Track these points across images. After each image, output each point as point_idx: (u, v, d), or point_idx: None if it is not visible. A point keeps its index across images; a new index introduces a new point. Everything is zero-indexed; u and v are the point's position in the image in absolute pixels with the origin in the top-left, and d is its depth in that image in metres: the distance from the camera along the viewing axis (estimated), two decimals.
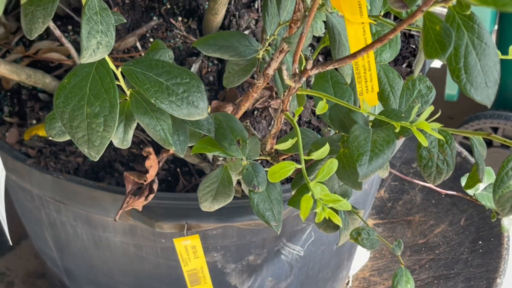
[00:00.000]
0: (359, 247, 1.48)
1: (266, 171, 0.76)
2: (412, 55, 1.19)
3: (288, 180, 1.03)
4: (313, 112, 1.09)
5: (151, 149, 0.96)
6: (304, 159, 0.67)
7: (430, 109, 0.62)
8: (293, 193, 0.78)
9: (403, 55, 1.18)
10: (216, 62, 1.10)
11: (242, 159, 0.75)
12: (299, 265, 1.22)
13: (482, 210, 1.51)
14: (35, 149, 1.04)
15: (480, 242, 1.46)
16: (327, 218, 0.62)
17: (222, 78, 1.04)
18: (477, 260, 1.42)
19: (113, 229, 1.07)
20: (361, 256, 1.61)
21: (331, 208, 0.63)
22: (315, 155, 0.66)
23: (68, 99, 0.66)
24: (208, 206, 0.80)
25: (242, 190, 0.99)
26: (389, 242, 1.64)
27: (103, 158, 1.05)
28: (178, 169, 1.04)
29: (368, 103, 0.73)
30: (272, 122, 1.06)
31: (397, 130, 0.63)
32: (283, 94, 0.72)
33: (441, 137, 0.65)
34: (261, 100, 1.04)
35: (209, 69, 1.08)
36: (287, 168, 0.65)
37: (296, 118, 0.72)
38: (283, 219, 1.00)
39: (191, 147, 1.04)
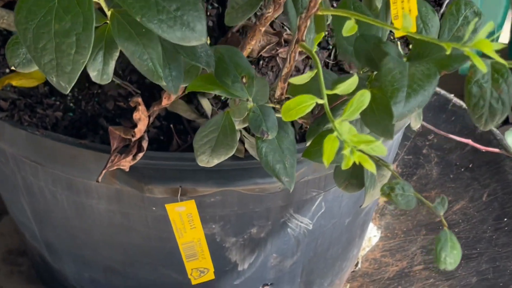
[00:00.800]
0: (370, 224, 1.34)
1: (277, 117, 0.62)
2: None
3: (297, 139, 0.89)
4: (328, 62, 0.96)
5: (139, 99, 0.83)
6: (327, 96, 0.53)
7: (489, 25, 0.49)
8: (308, 144, 0.65)
9: None
10: (216, 5, 0.96)
11: (247, 100, 0.62)
12: (307, 241, 1.08)
13: (507, 184, 1.37)
14: (7, 101, 0.91)
15: (505, 219, 1.33)
16: (357, 163, 0.49)
17: (222, 22, 0.90)
18: (502, 239, 1.28)
19: (97, 194, 0.93)
20: (371, 235, 1.48)
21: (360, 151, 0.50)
22: (340, 89, 0.53)
23: (31, 13, 0.52)
24: (206, 160, 0.67)
25: (246, 150, 0.86)
26: (401, 220, 1.51)
27: (86, 112, 0.92)
28: (171, 126, 0.90)
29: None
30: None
31: (448, 52, 0.49)
32: (300, 18, 0.58)
33: (503, 61, 0.51)
34: (267, 47, 0.90)
35: (208, 13, 0.94)
36: (306, 103, 0.52)
37: (315, 48, 0.59)
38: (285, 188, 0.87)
39: (186, 96, 0.91)
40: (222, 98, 0.94)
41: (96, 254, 1.08)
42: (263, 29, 0.70)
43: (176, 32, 0.55)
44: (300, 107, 0.52)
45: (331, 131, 0.56)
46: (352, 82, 0.53)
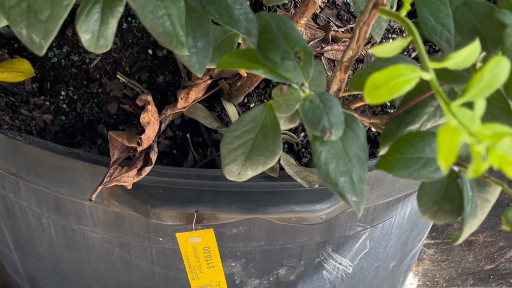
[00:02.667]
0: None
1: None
2: None
3: None
4: None
5: (149, 97, 0.64)
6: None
7: None
8: (382, 152, 0.46)
9: None
10: None
11: (302, 86, 0.43)
12: (345, 287, 0.89)
13: None
14: None
15: None
16: (495, 166, 0.30)
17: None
18: None
19: (91, 219, 0.75)
20: (407, 283, 1.28)
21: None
22: (455, 60, 0.34)
23: None
24: (237, 170, 0.48)
25: (281, 167, 0.67)
26: (443, 267, 1.31)
27: (82, 116, 0.74)
28: (187, 136, 0.72)
29: None
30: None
31: None
32: None
33: None
34: (312, 42, 0.72)
35: None
36: (404, 77, 0.33)
37: (404, 11, 0.40)
38: (329, 218, 0.68)
39: (207, 101, 0.73)
40: (252, 104, 0.75)
41: None
42: (318, 1, 0.51)
43: None
44: (396, 82, 0.33)
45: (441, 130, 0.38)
46: (472, 51, 0.34)
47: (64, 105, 0.73)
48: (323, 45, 0.73)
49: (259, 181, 0.68)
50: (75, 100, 0.74)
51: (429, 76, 0.34)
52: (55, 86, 0.75)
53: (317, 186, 0.67)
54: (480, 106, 0.31)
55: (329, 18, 0.79)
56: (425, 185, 0.46)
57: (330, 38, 0.74)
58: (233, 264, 0.79)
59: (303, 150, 0.75)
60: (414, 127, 0.46)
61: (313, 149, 0.43)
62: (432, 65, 0.35)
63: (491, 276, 1.23)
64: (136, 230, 0.75)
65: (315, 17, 0.79)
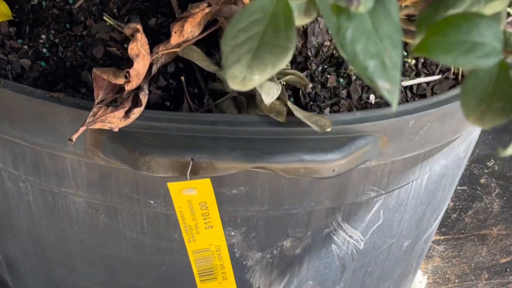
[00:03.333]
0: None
1: None
2: None
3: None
4: None
5: (138, 26, 0.57)
6: None
7: None
8: (417, 40, 0.38)
9: None
10: None
11: None
12: (355, 266, 0.80)
13: None
14: None
15: None
16: None
17: None
18: None
19: (74, 178, 0.66)
20: (415, 282, 1.20)
21: None
22: None
23: None
24: (241, 74, 0.40)
25: (288, 110, 0.59)
26: (454, 263, 1.22)
27: (64, 61, 0.66)
28: (182, 79, 0.64)
29: None
30: None
31: None
32: None
33: None
34: None
35: None
36: None
37: None
38: (342, 172, 0.60)
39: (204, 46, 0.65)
40: None
41: (71, 273, 0.80)
42: None
43: None
44: None
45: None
46: None
47: (44, 50, 0.66)
48: None
49: (263, 127, 0.60)
50: (56, 44, 0.66)
51: None
52: (35, 29, 0.67)
53: (329, 129, 0.59)
54: None
55: None
56: (470, 80, 0.38)
57: None
58: (233, 234, 0.70)
59: (311, 103, 0.67)
60: (455, 11, 0.38)
61: (336, 26, 0.35)
62: None
63: (508, 269, 1.14)
64: (124, 191, 0.66)
65: None
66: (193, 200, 0.59)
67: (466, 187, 1.27)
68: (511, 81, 0.37)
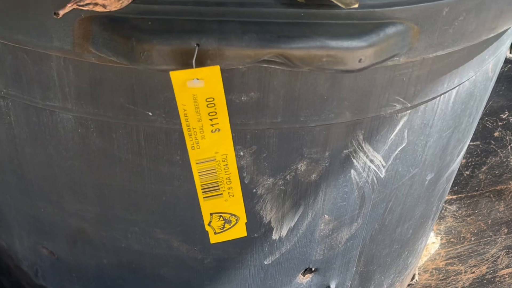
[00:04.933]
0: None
1: None
2: None
3: None
4: None
5: None
6: None
7: None
8: None
9: None
10: None
11: None
12: (375, 199, 0.73)
13: None
14: None
15: None
16: None
17: None
18: None
19: (60, 87, 0.58)
20: (428, 242, 1.12)
21: None
22: None
23: None
24: None
25: None
26: (469, 222, 1.14)
27: None
28: None
29: None
30: None
31: None
32: None
33: None
34: None
35: None
36: None
37: None
38: (369, 64, 0.53)
39: None
40: None
41: (59, 211, 0.71)
42: None
43: None
44: None
45: None
46: None
47: None
48: None
49: (279, 8, 0.52)
50: None
51: None
52: None
53: (356, 6, 0.51)
54: None
55: None
56: None
57: None
58: (241, 154, 0.62)
59: None
60: None
61: None
62: None
63: None
64: (118, 100, 0.58)
65: None
66: (199, 95, 0.51)
67: (479, 142, 1.19)
68: None
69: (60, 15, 0.47)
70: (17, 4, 0.53)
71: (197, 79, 0.50)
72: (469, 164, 1.19)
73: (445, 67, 0.63)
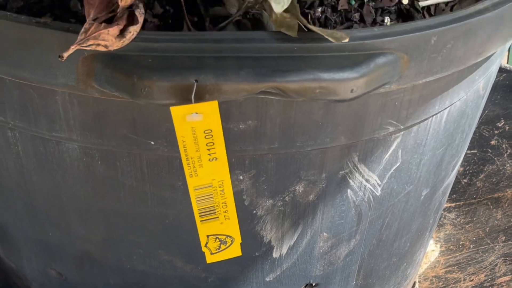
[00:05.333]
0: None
1: None
2: None
3: None
4: None
5: None
6: None
7: None
8: None
9: None
10: None
11: None
12: (372, 216, 0.75)
13: None
14: None
15: None
16: None
17: None
18: None
19: (66, 120, 0.61)
20: (428, 250, 1.14)
21: None
22: None
23: None
24: None
25: (301, 26, 0.54)
26: (467, 229, 1.16)
27: None
28: (181, 1, 0.58)
29: None
30: None
31: None
32: None
33: None
34: None
35: None
36: None
37: None
38: (361, 94, 0.55)
39: None
40: None
41: (67, 235, 0.74)
42: None
43: None
44: None
45: None
46: None
47: None
48: None
49: (273, 43, 0.54)
50: None
51: None
52: None
53: (346, 40, 0.53)
54: None
55: None
56: None
57: None
58: (241, 178, 0.65)
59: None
60: None
61: None
62: None
63: None
64: (121, 131, 0.61)
65: None
66: (197, 128, 0.54)
67: (476, 151, 1.22)
68: None
69: (65, 58, 0.49)
70: (22, 43, 0.55)
71: (196, 113, 0.53)
72: (467, 172, 1.21)
73: (435, 90, 0.65)
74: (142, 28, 0.53)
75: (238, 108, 0.59)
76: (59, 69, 0.55)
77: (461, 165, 1.22)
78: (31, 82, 0.58)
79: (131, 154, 0.63)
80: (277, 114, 0.60)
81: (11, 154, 0.67)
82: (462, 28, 0.59)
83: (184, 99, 0.53)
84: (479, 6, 0.61)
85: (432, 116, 0.69)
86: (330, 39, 0.53)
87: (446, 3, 0.64)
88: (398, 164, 0.71)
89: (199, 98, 0.53)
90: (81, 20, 0.58)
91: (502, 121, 1.20)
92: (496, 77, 1.24)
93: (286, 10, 0.54)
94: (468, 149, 1.23)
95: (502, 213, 1.14)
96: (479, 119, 1.23)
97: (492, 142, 1.20)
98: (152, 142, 0.61)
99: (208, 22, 0.59)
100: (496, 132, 1.21)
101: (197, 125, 0.54)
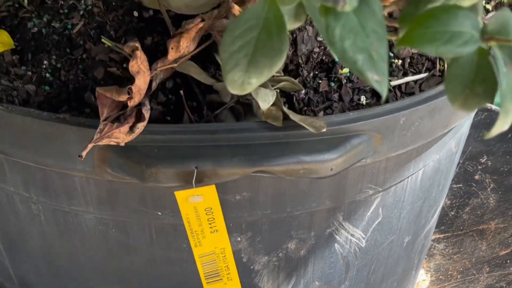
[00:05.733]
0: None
1: None
2: None
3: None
4: None
5: (137, 43, 0.60)
6: None
7: None
8: (401, 35, 0.41)
9: None
10: None
11: None
12: (359, 264, 0.83)
13: None
14: None
15: None
16: None
17: None
18: None
19: (83, 196, 0.69)
20: (419, 280, 1.22)
21: None
22: None
23: None
24: (239, 79, 0.43)
25: (285, 116, 0.62)
26: (455, 260, 1.25)
27: (67, 84, 0.69)
28: (181, 92, 0.67)
29: None
30: None
31: None
32: None
33: None
34: None
35: None
36: None
37: None
38: (340, 170, 0.63)
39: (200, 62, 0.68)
40: None
41: (85, 287, 0.82)
42: None
43: None
44: None
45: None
46: None
47: (47, 74, 0.69)
48: None
49: (261, 132, 0.63)
50: (58, 69, 0.69)
51: None
52: (37, 55, 0.70)
53: (324, 130, 0.62)
54: None
55: None
56: (453, 68, 0.41)
57: None
58: (239, 239, 0.73)
59: (305, 108, 0.70)
60: (435, 4, 0.41)
61: (325, 26, 0.38)
62: None
63: (508, 261, 1.17)
64: (132, 205, 0.69)
65: None
66: (199, 207, 0.62)
67: (461, 185, 1.30)
68: (491, 66, 0.40)
69: (84, 157, 0.58)
70: (45, 136, 0.64)
71: (197, 195, 0.61)
72: (454, 205, 1.29)
73: (409, 157, 0.74)
74: (149, 118, 0.62)
75: (234, 183, 0.67)
76: (77, 158, 0.64)
77: (448, 198, 1.30)
78: (53, 168, 0.66)
79: (140, 223, 0.71)
80: (268, 186, 0.68)
81: (34, 223, 0.76)
82: (428, 108, 0.68)
83: (186, 182, 0.62)
84: (443, 86, 0.70)
85: (408, 177, 0.77)
86: (310, 129, 0.61)
87: (415, 81, 0.72)
88: (379, 219, 0.80)
89: (199, 181, 0.62)
90: (94, 109, 0.67)
91: (485, 157, 1.28)
92: (478, 116, 1.32)
93: (272, 103, 0.62)
94: (454, 183, 1.32)
95: (486, 244, 1.22)
96: (463, 156, 1.32)
97: (476, 177, 1.29)
98: (159, 213, 0.70)
99: (205, 109, 0.68)
100: (479, 167, 1.29)
101: (198, 205, 0.62)
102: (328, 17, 0.38)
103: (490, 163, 1.29)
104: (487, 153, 1.29)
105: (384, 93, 0.38)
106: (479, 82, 0.40)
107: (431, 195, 0.85)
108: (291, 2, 0.41)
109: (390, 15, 0.52)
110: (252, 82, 0.44)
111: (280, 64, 0.43)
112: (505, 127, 0.41)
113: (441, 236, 1.29)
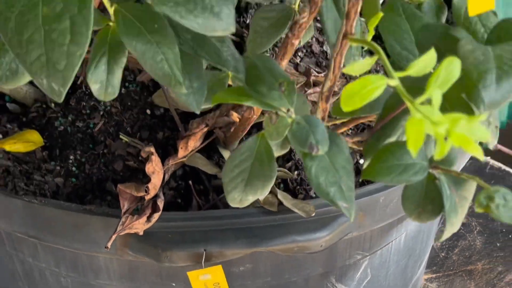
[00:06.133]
0: None
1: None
2: None
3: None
4: None
5: (152, 149, 0.70)
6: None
7: None
8: (365, 165, 0.52)
9: None
10: (234, 37, 0.86)
11: (288, 112, 0.49)
12: None
13: None
14: (0, 169, 0.78)
15: None
16: (456, 144, 0.36)
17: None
18: None
19: (107, 272, 0.80)
20: None
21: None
22: (415, 68, 0.41)
23: None
24: (238, 197, 0.54)
25: (280, 202, 0.73)
26: None
27: (91, 177, 0.79)
28: (190, 182, 0.77)
29: (478, 8, 0.48)
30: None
31: None
32: (348, 3, 0.47)
33: None
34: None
35: None
36: (373, 85, 0.40)
37: (371, 35, 0.47)
38: (331, 244, 0.73)
39: (205, 152, 0.79)
40: None
41: None
42: (296, 42, 0.58)
43: (197, 18, 0.43)
44: (367, 90, 0.40)
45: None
46: (430, 59, 0.40)
47: (74, 168, 0.79)
48: (306, 89, 0.80)
49: (260, 217, 0.73)
50: (83, 163, 0.80)
51: (395, 82, 0.40)
52: (64, 151, 0.81)
53: (313, 214, 0.72)
54: (437, 99, 0.37)
55: (309, 66, 0.86)
56: (408, 189, 0.51)
57: (312, 82, 0.81)
58: None
59: (298, 187, 0.81)
60: (392, 139, 0.52)
61: (304, 165, 0.49)
62: (397, 74, 0.42)
63: None
64: (149, 278, 0.79)
65: (296, 65, 0.86)
66: (208, 283, 0.73)
67: None
68: (438, 189, 0.51)
69: (109, 247, 0.69)
70: (74, 225, 0.74)
71: (206, 274, 0.72)
72: (444, 246, 1.39)
73: (391, 226, 0.84)
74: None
75: (239, 257, 0.78)
76: (102, 243, 0.74)
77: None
78: (81, 251, 0.77)
79: None
80: (268, 259, 0.79)
81: None
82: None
83: (197, 262, 0.72)
84: None
85: (392, 241, 0.87)
86: (301, 213, 0.72)
87: None
88: (368, 278, 0.90)
89: (208, 260, 0.72)
90: (115, 197, 0.77)
91: (471, 202, 1.38)
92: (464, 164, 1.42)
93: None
94: (443, 226, 1.42)
95: (474, 284, 1.32)
96: None
97: (464, 220, 1.39)
98: (174, 284, 0.80)
99: (211, 193, 0.78)
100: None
101: (208, 281, 0.73)
102: (306, 158, 0.49)
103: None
104: (473, 199, 1.39)
105: (352, 216, 0.49)
106: (429, 201, 0.51)
107: (415, 252, 0.95)
108: (278, 138, 0.52)
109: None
110: (249, 199, 0.55)
111: (270, 186, 0.54)
112: (449, 235, 0.52)
113: (433, 276, 1.39)
